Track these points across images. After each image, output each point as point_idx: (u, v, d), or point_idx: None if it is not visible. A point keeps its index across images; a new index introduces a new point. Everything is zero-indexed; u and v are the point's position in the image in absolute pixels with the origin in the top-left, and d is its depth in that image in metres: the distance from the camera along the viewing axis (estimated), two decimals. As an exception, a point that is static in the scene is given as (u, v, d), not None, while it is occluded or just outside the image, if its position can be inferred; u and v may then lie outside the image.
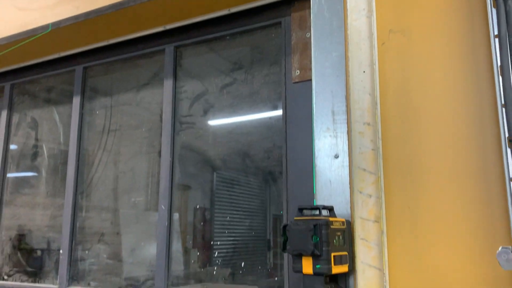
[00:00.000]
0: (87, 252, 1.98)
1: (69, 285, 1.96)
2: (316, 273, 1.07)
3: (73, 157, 2.07)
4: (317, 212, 1.15)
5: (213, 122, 1.86)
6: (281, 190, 1.57)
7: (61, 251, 1.99)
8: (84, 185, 2.05)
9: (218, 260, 1.71)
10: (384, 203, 1.20)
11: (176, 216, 1.82)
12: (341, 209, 1.25)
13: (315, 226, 1.08)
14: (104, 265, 1.94)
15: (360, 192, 1.22)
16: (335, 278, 1.17)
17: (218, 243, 1.73)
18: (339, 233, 1.14)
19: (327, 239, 1.08)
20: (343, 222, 1.17)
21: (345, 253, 1.14)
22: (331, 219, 1.12)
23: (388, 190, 1.20)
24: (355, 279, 1.18)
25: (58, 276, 1.97)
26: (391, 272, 1.15)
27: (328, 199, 1.28)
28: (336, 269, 1.10)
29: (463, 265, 1.08)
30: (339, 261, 1.11)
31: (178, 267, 1.78)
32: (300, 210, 1.15)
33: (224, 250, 1.73)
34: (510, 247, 1.03)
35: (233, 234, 1.74)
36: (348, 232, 1.18)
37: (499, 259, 1.04)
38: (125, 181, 1.99)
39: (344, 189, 1.26)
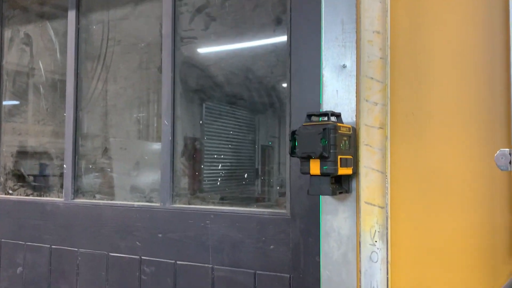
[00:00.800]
0: (91, 166, 2.03)
1: (74, 198, 2.03)
2: (323, 174, 1.13)
3: (72, 72, 2.04)
4: (325, 118, 1.18)
5: (216, 37, 1.84)
6: (270, 120, 1.60)
7: (64, 165, 2.03)
8: (85, 101, 2.05)
9: (208, 187, 1.80)
10: (390, 111, 1.23)
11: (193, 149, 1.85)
12: (347, 118, 1.29)
13: (324, 129, 1.12)
14: (108, 179, 1.99)
15: (367, 101, 1.25)
16: (339, 179, 1.23)
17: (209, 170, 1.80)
18: (345, 138, 1.18)
19: (335, 142, 1.12)
20: (349, 128, 1.21)
21: (350, 156, 1.20)
22: (338, 124, 1.16)
23: (394, 98, 1.23)
24: (357, 181, 1.24)
25: (63, 190, 2.03)
26: (392, 175, 1.22)
27: (335, 108, 1.31)
28: (342, 171, 1.15)
29: (463, 167, 1.14)
30: (344, 163, 1.16)
31: (199, 193, 1.85)
32: (309, 116, 1.19)
33: (214, 178, 1.80)
34: (508, 149, 1.09)
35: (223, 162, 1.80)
36: (353, 138, 1.23)
37: (496, 161, 1.11)
38: (126, 97, 1.99)
39: (351, 98, 1.29)
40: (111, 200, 1.96)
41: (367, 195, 1.22)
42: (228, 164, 1.81)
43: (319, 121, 1.17)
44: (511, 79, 1.08)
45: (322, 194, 1.14)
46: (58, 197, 2.10)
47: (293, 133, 1.15)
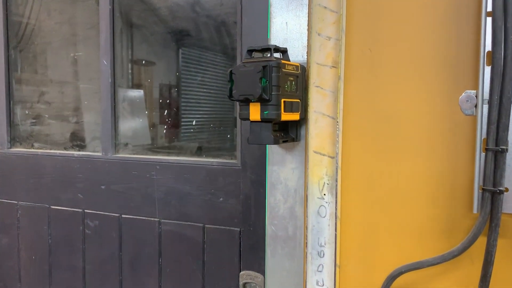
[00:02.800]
0: (27, 112, 1.83)
1: (10, 147, 1.85)
2: (263, 119, 0.97)
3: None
4: (268, 54, 1.01)
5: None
6: (223, 61, 1.41)
7: (-3, 111, 1.83)
8: (17, 38, 1.82)
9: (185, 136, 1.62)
10: (344, 46, 1.07)
11: (140, 92, 1.66)
12: (297, 55, 1.12)
13: (264, 67, 0.95)
14: (46, 126, 1.81)
15: (319, 34, 1.07)
16: (285, 126, 1.09)
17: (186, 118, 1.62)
18: (291, 78, 1.02)
19: (278, 83, 0.96)
20: (297, 67, 1.04)
21: (297, 100, 1.04)
22: (283, 61, 0.99)
23: (349, 32, 1.06)
24: (306, 129, 1.10)
25: (-1, 138, 1.84)
26: (345, 121, 1.07)
27: (284, 44, 1.13)
28: (286, 116, 1.00)
29: (422, 109, 1.00)
30: (289, 108, 1.01)
31: (145, 141, 1.67)
32: (250, 52, 1.01)
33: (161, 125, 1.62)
34: (475, 91, 0.95)
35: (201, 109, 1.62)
36: (302, 79, 1.07)
37: (461, 104, 0.97)
38: (63, 34, 1.76)
39: (302, 31, 1.11)
40: (50, 149, 1.78)
41: (316, 143, 1.08)
42: (173, 110, 1.64)
43: (261, 58, 1.00)
44: (482, 14, 0.92)
45: (263, 143, 0.99)
46: (-6, 146, 1.92)
47: (230, 73, 0.98)
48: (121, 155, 1.62)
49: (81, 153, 1.68)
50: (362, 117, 1.05)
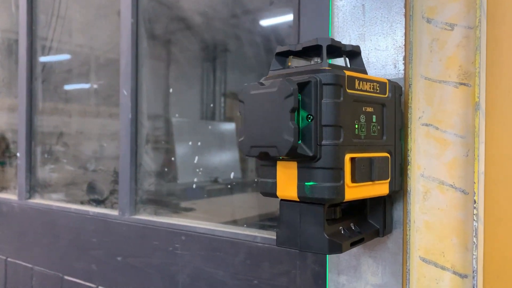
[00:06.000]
0: (46, 155, 1.50)
1: (30, 197, 1.53)
2: (305, 199, 0.44)
3: (24, 31, 1.51)
4: (317, 59, 0.49)
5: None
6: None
7: (18, 153, 1.53)
8: (40, 67, 1.52)
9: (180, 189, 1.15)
10: (485, 43, 0.51)
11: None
12: (385, 65, 0.58)
13: (303, 86, 0.43)
14: (64, 173, 1.46)
15: (429, 20, 0.52)
16: (358, 207, 0.54)
17: None
18: (370, 109, 0.48)
19: (336, 118, 0.43)
20: (383, 86, 0.50)
21: (385, 154, 0.49)
22: (349, 73, 0.46)
23: (492, 16, 0.50)
24: (406, 212, 0.54)
25: (18, 186, 1.54)
26: (488, 196, 0.50)
27: (357, 42, 0.60)
28: (359, 191, 0.46)
29: None
30: (366, 172, 0.46)
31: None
32: (281, 56, 0.50)
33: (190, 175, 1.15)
34: None
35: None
36: (394, 109, 0.52)
37: None
38: (84, 57, 1.42)
39: (393, 19, 0.57)
40: (66, 202, 1.42)
41: (427, 243, 0.52)
42: (210, 153, 1.17)
43: (303, 67, 0.48)
44: None
45: (304, 249, 0.46)
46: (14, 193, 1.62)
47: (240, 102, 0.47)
48: (140, 216, 1.19)
49: (96, 210, 1.28)
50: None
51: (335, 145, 0.43)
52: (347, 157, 0.45)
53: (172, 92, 1.23)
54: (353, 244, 0.48)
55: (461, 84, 0.51)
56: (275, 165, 0.47)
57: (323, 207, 0.45)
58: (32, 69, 1.51)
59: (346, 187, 0.45)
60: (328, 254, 0.46)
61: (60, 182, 1.47)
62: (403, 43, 0.56)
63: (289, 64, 0.49)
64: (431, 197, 0.52)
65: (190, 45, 1.19)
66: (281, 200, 0.48)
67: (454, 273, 0.51)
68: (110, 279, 1.22)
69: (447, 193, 0.51)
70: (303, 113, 0.43)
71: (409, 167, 0.52)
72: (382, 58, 0.58)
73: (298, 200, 0.45)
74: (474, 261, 0.48)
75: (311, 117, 0.43)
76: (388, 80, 0.51)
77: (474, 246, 0.48)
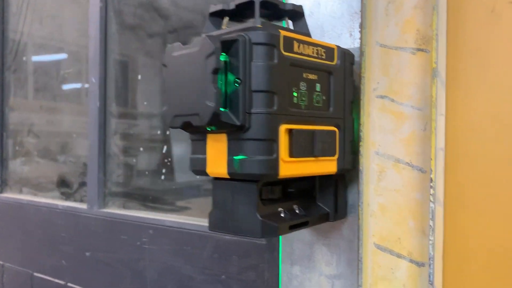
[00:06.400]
0: (17, 148, 1.45)
1: (2, 191, 1.47)
2: (234, 175, 0.39)
3: (-4, 18, 1.46)
4: (251, 16, 0.43)
5: None
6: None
7: (-12, 146, 1.48)
8: (10, 56, 1.46)
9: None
10: (446, 7, 0.45)
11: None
12: (340, 33, 0.53)
13: (228, 44, 0.38)
14: (34, 165, 1.40)
15: (384, -21, 0.47)
16: (306, 187, 0.49)
17: None
18: (313, 77, 0.43)
19: (269, 83, 0.38)
20: (329, 52, 0.45)
21: (332, 128, 0.44)
22: (286, 33, 0.40)
23: None
24: (359, 193, 0.48)
25: (-11, 180, 1.48)
26: (449, 176, 0.45)
27: (311, 9, 0.55)
28: (298, 168, 0.41)
29: None
30: (307, 146, 0.41)
31: None
32: (215, 16, 0.44)
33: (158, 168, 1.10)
34: None
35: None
36: (344, 79, 0.46)
37: None
38: (53, 43, 1.36)
39: (347, -19, 0.52)
40: (36, 196, 1.37)
41: (382, 227, 0.47)
42: (180, 143, 1.12)
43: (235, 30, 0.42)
44: None
45: (236, 233, 0.40)
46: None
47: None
48: (108, 210, 1.13)
49: (65, 204, 1.23)
50: (488, 167, 0.42)
51: (267, 114, 0.38)
52: (283, 128, 0.39)
53: (140, 79, 1.17)
54: (293, 228, 0.43)
55: (418, 50, 0.46)
56: (205, 139, 0.42)
57: (256, 184, 0.39)
58: (3, 60, 1.46)
59: (281, 161, 0.39)
60: (261, 237, 0.41)
61: (31, 175, 1.41)
62: (359, 8, 0.50)
63: (224, 27, 0.44)
64: (387, 176, 0.47)
65: (160, 30, 1.14)
66: (214, 178, 0.43)
67: (411, 261, 0.45)
68: (79, 275, 1.17)
69: (403, 172, 0.46)
70: (230, 77, 0.38)
71: (361, 143, 0.46)
72: (337, 26, 0.53)
73: (228, 177, 0.40)
74: (430, 247, 0.43)
75: (239, 81, 0.38)
76: (337, 46, 0.46)
77: (431, 230, 0.43)
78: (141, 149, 1.14)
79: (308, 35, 0.45)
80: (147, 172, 1.15)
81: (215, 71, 0.36)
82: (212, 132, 0.41)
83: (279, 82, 0.39)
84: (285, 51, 0.40)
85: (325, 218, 0.48)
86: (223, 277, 0.92)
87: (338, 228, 0.53)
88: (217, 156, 0.41)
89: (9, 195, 1.44)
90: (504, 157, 0.43)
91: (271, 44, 0.38)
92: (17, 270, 1.35)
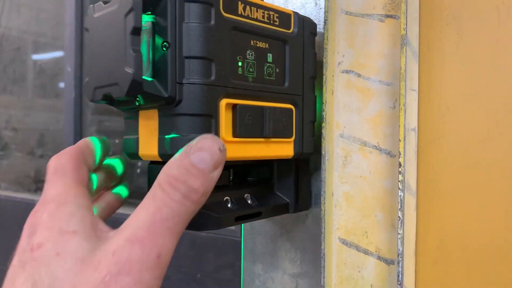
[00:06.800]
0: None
1: (-20, 186, 1.42)
2: (165, 157, 0.33)
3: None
4: None
5: None
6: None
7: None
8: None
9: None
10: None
11: None
12: (307, 1, 0.47)
13: (154, 1, 0.32)
14: (12, 159, 1.35)
15: None
16: (264, 175, 0.43)
17: None
18: (263, 44, 0.37)
19: (205, 46, 0.32)
20: (287, 18, 0.39)
21: (287, 105, 0.38)
22: (233, -4, 0.35)
23: None
24: (324, 180, 0.43)
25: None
26: (422, 161, 0.39)
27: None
28: (246, 150, 0.35)
29: None
30: (256, 125, 0.36)
31: None
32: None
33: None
34: None
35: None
36: (301, 49, 0.41)
37: None
38: (31, 33, 1.31)
39: None
40: (14, 191, 1.32)
41: (346, 221, 0.41)
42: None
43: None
44: None
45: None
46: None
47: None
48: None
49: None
50: (463, 142, 0.36)
51: (202, 84, 0.32)
52: (223, 102, 0.34)
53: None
54: (241, 219, 0.37)
55: (387, 16, 0.40)
56: (137, 117, 0.36)
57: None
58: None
59: (224, 139, 0.34)
60: (200, 230, 0.35)
61: (9, 169, 1.36)
62: (325, -27, 0.45)
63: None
64: (352, 162, 0.41)
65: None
66: (150, 163, 0.38)
67: (379, 258, 0.40)
68: None
69: (370, 157, 0.40)
70: (158, 40, 0.32)
71: (323, 124, 0.41)
72: (301, -6, 0.47)
73: (160, 160, 0.35)
74: (399, 241, 0.37)
75: (167, 44, 0.32)
76: (295, 12, 0.40)
77: (400, 222, 0.37)
78: (117, 141, 1.09)
79: (261, -4, 0.39)
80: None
81: (135, 31, 0.30)
82: (143, 108, 0.35)
83: (218, 47, 0.33)
84: (225, 12, 0.34)
85: (283, 209, 0.42)
86: (198, 275, 0.87)
87: (303, 221, 0.47)
88: (148, 135, 0.35)
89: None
90: (485, 139, 0.38)
91: (207, 2, 0.33)
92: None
